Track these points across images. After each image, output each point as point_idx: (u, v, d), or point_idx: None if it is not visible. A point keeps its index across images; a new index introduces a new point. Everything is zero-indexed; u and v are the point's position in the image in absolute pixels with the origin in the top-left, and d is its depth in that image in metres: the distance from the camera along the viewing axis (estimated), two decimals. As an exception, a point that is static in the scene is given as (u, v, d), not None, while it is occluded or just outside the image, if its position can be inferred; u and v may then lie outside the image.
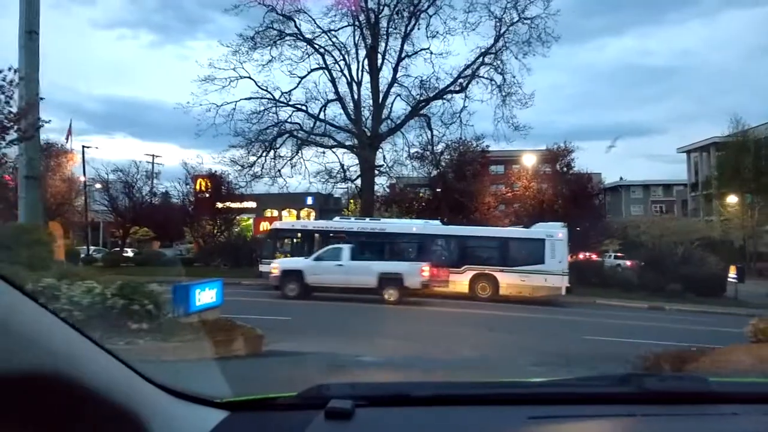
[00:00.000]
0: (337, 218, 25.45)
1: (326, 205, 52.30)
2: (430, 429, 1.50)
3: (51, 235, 14.01)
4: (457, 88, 30.84)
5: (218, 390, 1.69)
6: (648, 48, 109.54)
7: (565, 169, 31.61)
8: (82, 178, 36.43)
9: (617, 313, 19.94)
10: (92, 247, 37.27)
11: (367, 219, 25.32)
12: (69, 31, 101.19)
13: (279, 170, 31.61)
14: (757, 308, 18.93)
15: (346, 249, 19.49)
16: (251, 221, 48.88)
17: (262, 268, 22.28)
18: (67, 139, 35.02)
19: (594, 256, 35.91)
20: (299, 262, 19.65)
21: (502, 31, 29.58)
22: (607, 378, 1.93)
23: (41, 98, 13.35)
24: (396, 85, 31.42)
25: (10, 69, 12.23)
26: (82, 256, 32.10)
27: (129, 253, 35.27)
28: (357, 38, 31.05)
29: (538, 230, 22.27)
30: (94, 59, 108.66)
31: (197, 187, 36.56)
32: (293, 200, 47.29)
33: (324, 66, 31.05)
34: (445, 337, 12.90)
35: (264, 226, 38.84)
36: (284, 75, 35.14)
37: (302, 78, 31.00)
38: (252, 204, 47.16)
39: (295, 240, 23.98)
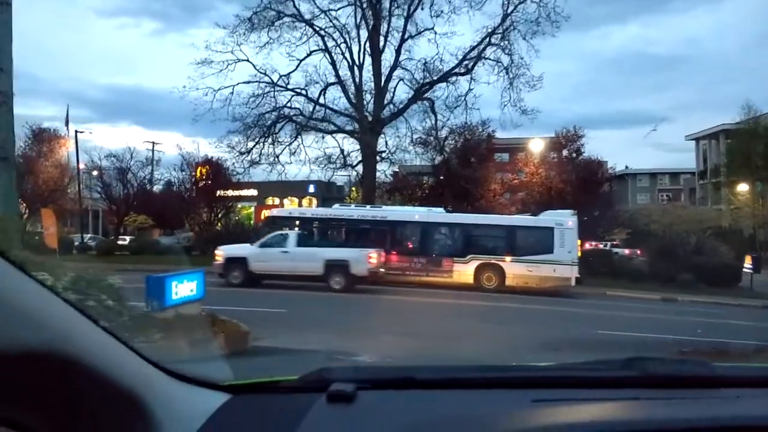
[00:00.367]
0: (336, 205, 24.54)
1: (329, 193, 51.52)
2: (433, 412, 1.45)
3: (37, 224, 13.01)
4: (463, 70, 29.71)
5: (220, 373, 1.64)
6: (653, 36, 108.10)
7: (574, 154, 30.48)
8: (81, 165, 35.72)
9: (629, 304, 19.05)
10: (88, 235, 36.40)
11: (368, 206, 24.38)
12: (72, 20, 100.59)
13: (277, 156, 30.70)
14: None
15: (292, 235, 18.98)
16: (252, 209, 48.42)
17: None
18: (66, 125, 34.38)
19: (599, 245, 34.84)
20: (244, 249, 19.20)
21: (509, 10, 28.41)
22: (611, 362, 1.83)
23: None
24: (399, 68, 30.41)
25: None
26: (76, 244, 31.31)
27: (126, 240, 34.42)
28: (358, 19, 30.00)
29: (547, 218, 21.26)
30: (97, 48, 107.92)
31: (197, 174, 35.93)
32: (295, 188, 46.78)
33: (324, 48, 30.03)
34: (451, 331, 12.00)
35: (265, 214, 38.13)
36: (283, 57, 34.15)
37: (301, 60, 30.01)
38: (253, 192, 46.87)
39: (293, 228, 23.00)
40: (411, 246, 22.27)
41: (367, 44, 30.10)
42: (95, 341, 1.10)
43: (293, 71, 30.24)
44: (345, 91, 30.37)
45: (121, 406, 1.11)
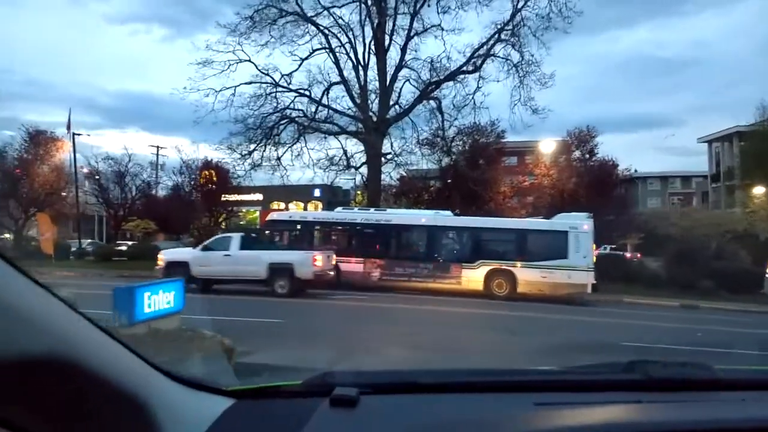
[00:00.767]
0: (339, 209, 23.52)
1: (334, 198, 50.95)
2: (436, 416, 1.45)
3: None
4: (471, 68, 28.62)
5: (224, 378, 1.63)
6: (662, 39, 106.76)
7: (587, 155, 29.26)
8: (84, 170, 34.98)
9: (649, 312, 17.94)
10: (87, 240, 35.53)
11: (372, 210, 23.34)
12: (84, 27, 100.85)
13: (279, 158, 29.71)
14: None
15: (235, 238, 18.16)
16: (258, 214, 48.06)
17: None
18: (67, 129, 33.69)
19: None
20: (185, 253, 18.79)
21: (519, 5, 27.32)
22: (613, 365, 1.82)
23: None
24: (405, 68, 29.38)
25: None
26: (73, 249, 30.46)
27: (124, 246, 33.54)
28: (363, 17, 29.02)
29: (561, 222, 20.08)
30: (107, 54, 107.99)
31: (201, 179, 35.29)
32: (300, 192, 46.34)
33: (327, 46, 29.04)
34: (461, 342, 10.96)
35: (270, 219, 37.51)
36: (285, 58, 33.02)
37: (304, 59, 29.03)
38: (258, 196, 46.47)
39: (294, 233, 22.05)
40: (417, 251, 21.28)
41: (372, 43, 29.12)
42: (99, 345, 1.09)
43: (295, 70, 29.39)
44: (349, 91, 29.39)
45: (125, 409, 1.10)
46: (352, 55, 29.26)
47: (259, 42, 28.10)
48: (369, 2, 28.53)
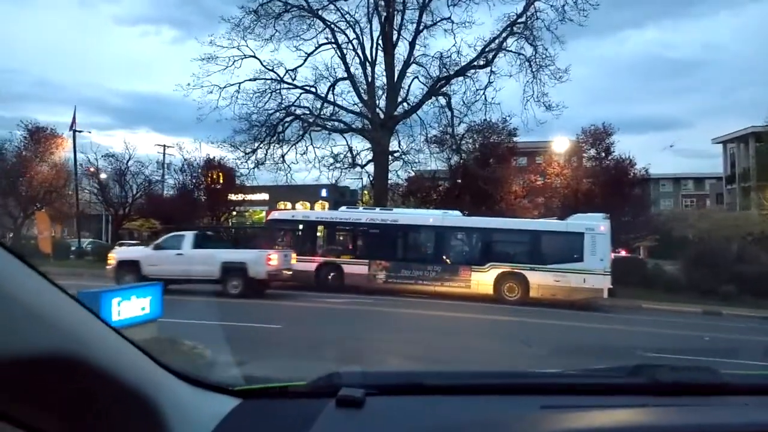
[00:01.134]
0: (343, 208, 22.63)
1: (342, 198, 50.48)
2: (442, 417, 1.45)
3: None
4: (482, 63, 27.60)
5: (231, 378, 1.63)
6: (672, 41, 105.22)
7: (603, 153, 28.10)
8: (91, 168, 34.31)
9: (671, 319, 16.97)
10: (88, 240, 34.82)
11: (378, 209, 22.42)
12: (95, 28, 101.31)
13: (283, 156, 28.88)
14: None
15: (188, 236, 17.44)
16: (264, 213, 47.62)
17: None
18: (71, 127, 33.07)
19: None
20: (136, 252, 18.50)
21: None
22: (619, 369, 1.80)
23: None
24: (413, 64, 28.42)
25: None
26: (73, 248, 29.76)
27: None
28: (371, 10, 28.10)
29: (576, 222, 19.04)
30: (118, 56, 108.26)
31: (208, 179, 34.82)
32: (306, 192, 45.90)
33: (333, 41, 28.17)
34: (470, 354, 9.98)
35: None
36: (290, 53, 32.22)
37: (309, 54, 28.16)
38: (265, 196, 46.16)
39: (296, 233, 21.18)
40: (424, 252, 20.40)
41: (380, 38, 28.21)
42: (107, 343, 1.09)
43: (300, 65, 28.45)
44: (356, 86, 28.47)
45: (132, 408, 1.11)
46: (359, 50, 28.42)
47: (264, 36, 27.35)
48: (377, -6, 27.63)
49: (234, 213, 39.43)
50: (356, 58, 28.43)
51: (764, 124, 44.28)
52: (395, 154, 29.01)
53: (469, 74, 27.90)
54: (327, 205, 50.26)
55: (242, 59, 27.57)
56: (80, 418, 0.99)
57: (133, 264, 16.74)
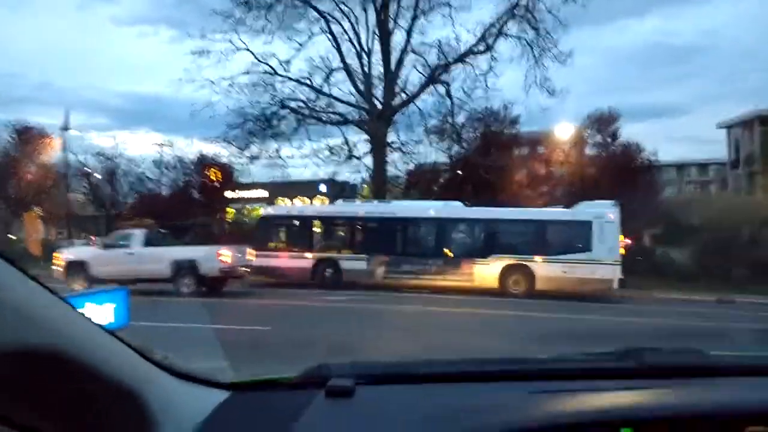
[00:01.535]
0: (339, 201, 21.90)
1: (342, 193, 49.78)
2: (432, 406, 1.44)
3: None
4: (482, 48, 26.78)
5: (220, 372, 1.58)
6: (673, 28, 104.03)
7: (609, 139, 27.25)
8: (87, 169, 33.60)
9: (686, 309, 16.19)
10: (81, 241, 34.12)
11: (375, 202, 21.66)
12: (93, 29, 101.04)
13: (278, 150, 28.14)
14: None
15: (138, 234, 16.86)
16: (262, 211, 46.98)
17: None
18: (64, 128, 32.32)
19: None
20: (84, 252, 17.63)
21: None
22: (607, 353, 1.81)
23: None
24: (411, 53, 27.59)
25: None
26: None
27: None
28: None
29: (584, 211, 18.27)
30: (116, 56, 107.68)
31: (204, 178, 34.16)
32: (306, 188, 45.15)
33: (328, 30, 27.31)
34: (477, 354, 9.16)
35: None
36: (283, 44, 31.23)
37: (302, 44, 27.34)
38: (263, 193, 45.58)
39: (291, 229, 20.44)
40: (425, 245, 19.63)
41: (376, 26, 27.34)
42: (94, 339, 1.09)
43: (294, 56, 27.69)
44: (351, 77, 27.65)
45: (120, 402, 1.11)
46: (355, 41, 27.57)
47: (255, 28, 26.56)
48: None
49: (233, 211, 38.84)
50: (352, 48, 27.66)
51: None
52: (393, 145, 28.24)
53: (468, 60, 27.12)
54: (326, 200, 49.73)
55: (235, 52, 26.91)
56: (67, 414, 0.97)
57: (81, 264, 16.03)
